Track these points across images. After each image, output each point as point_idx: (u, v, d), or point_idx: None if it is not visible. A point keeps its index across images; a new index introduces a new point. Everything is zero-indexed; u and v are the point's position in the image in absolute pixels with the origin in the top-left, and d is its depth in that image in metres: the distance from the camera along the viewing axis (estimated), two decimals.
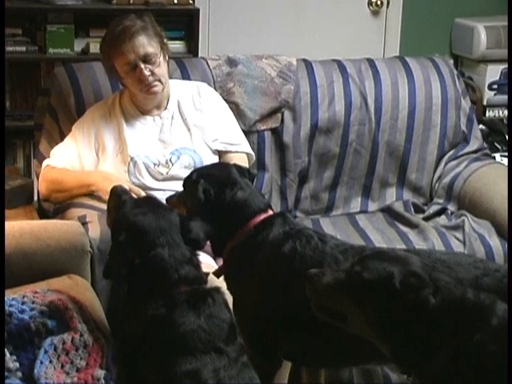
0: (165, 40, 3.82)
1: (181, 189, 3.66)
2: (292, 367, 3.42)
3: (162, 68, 3.73)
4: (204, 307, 2.82)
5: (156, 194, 3.69)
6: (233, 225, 3.14)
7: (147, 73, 3.67)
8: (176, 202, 3.27)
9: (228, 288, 3.23)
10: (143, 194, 3.60)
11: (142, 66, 3.67)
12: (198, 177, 3.16)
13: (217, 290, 2.98)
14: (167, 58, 3.81)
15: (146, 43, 3.68)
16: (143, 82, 3.70)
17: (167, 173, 3.78)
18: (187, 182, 3.25)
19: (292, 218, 3.27)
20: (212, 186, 3.12)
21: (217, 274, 3.25)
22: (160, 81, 3.73)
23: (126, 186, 3.47)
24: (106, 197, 3.37)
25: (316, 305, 2.76)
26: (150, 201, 3.12)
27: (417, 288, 2.61)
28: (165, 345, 2.77)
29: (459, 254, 3.67)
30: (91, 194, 3.74)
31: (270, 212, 3.20)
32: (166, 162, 3.79)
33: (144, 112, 3.82)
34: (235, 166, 3.31)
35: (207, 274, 3.01)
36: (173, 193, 3.46)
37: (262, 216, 3.16)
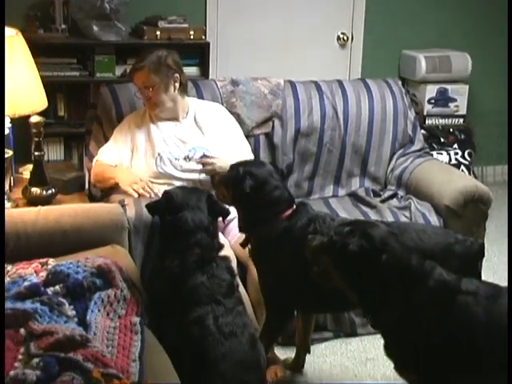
0: (175, 74, 3.73)
1: (195, 179, 3.66)
2: None
3: (158, 95, 3.70)
4: (208, 269, 2.88)
5: (176, 183, 3.66)
6: (268, 215, 3.13)
7: (145, 97, 3.74)
8: (220, 182, 3.30)
9: (253, 260, 3.23)
10: (155, 189, 3.60)
11: (143, 90, 3.72)
12: (245, 172, 3.14)
13: (224, 258, 2.99)
14: (174, 87, 3.74)
15: (145, 76, 3.68)
16: (145, 101, 3.78)
17: (186, 165, 3.73)
18: (233, 170, 3.22)
19: (309, 204, 3.27)
20: (256, 183, 3.12)
21: (243, 244, 3.26)
22: (156, 104, 3.72)
23: (139, 179, 3.61)
24: (123, 188, 3.57)
25: (312, 262, 2.77)
26: (186, 186, 3.34)
27: (364, 246, 2.60)
28: (178, 296, 2.81)
29: (436, 227, 3.73)
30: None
31: (294, 206, 3.20)
32: (185, 158, 3.74)
33: (167, 120, 3.78)
34: (272, 164, 3.39)
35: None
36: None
37: (290, 209, 3.17)
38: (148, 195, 3.54)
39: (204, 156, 3.72)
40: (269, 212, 3.14)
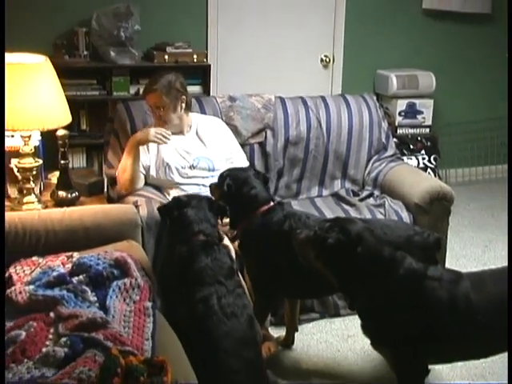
0: (182, 96, 3.72)
1: (199, 184, 3.67)
2: None
3: (168, 114, 3.69)
4: (212, 252, 2.86)
5: (183, 187, 3.67)
6: (246, 211, 3.16)
7: (155, 115, 3.71)
8: (214, 188, 3.34)
9: (240, 251, 3.23)
10: (168, 132, 3.62)
11: (155, 110, 3.70)
12: (227, 175, 3.22)
13: (224, 245, 3.00)
14: (181, 107, 3.73)
15: (157, 97, 3.66)
16: (157, 120, 3.73)
17: (191, 173, 3.72)
18: (220, 177, 3.29)
19: (287, 204, 3.30)
20: (234, 183, 3.17)
21: (233, 239, 3.28)
22: (165, 122, 3.69)
23: (153, 130, 3.60)
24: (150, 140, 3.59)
25: (298, 253, 2.78)
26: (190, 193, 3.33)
27: (344, 243, 2.62)
28: (185, 277, 2.79)
29: (398, 221, 3.74)
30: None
31: (272, 203, 3.21)
32: (190, 166, 3.73)
33: (173, 133, 3.75)
34: (254, 170, 3.41)
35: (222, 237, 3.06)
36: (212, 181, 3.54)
37: (267, 206, 3.18)
38: (168, 136, 3.58)
39: None
40: (247, 208, 3.17)
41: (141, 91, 4.81)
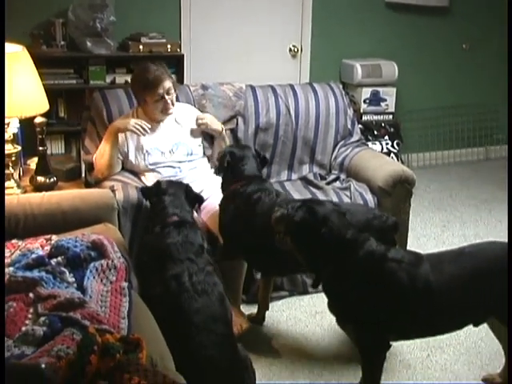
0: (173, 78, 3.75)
1: (175, 167, 3.65)
2: (245, 279, 3.45)
3: (174, 97, 3.69)
4: (183, 229, 2.91)
5: (159, 170, 3.65)
6: (232, 180, 3.30)
7: (169, 101, 3.64)
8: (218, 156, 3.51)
9: (220, 212, 3.34)
10: (147, 125, 3.59)
11: (167, 97, 3.62)
12: (227, 152, 3.38)
13: (196, 226, 3.02)
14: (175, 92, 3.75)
15: (170, 82, 3.63)
16: (166, 107, 3.65)
17: (170, 158, 3.70)
18: (220, 153, 3.45)
19: (267, 180, 3.46)
20: (231, 159, 3.33)
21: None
22: (173, 104, 3.68)
23: (133, 121, 3.57)
24: (128, 129, 3.57)
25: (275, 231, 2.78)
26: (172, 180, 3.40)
27: (309, 222, 2.64)
28: (158, 253, 2.81)
29: (359, 205, 3.74)
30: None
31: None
32: (169, 151, 3.71)
33: (153, 120, 3.71)
34: (255, 150, 3.58)
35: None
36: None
37: (244, 180, 3.30)
38: (147, 129, 3.56)
39: (197, 118, 3.77)
40: (233, 178, 3.30)
41: (116, 79, 4.83)
